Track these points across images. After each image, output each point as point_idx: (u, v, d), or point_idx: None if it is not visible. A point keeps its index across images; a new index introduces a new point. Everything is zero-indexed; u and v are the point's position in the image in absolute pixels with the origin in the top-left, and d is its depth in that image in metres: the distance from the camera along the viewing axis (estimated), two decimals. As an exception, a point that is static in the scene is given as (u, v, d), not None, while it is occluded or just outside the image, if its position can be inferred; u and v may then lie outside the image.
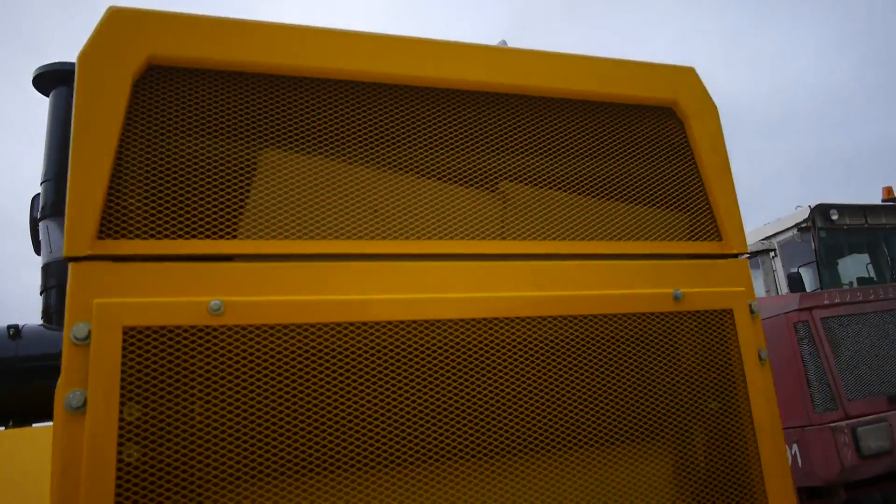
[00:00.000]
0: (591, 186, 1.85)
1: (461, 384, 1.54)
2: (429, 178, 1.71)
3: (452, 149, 1.74)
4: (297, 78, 1.62)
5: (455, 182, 1.73)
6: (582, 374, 1.65)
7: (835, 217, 9.64)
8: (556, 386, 1.63)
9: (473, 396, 1.55)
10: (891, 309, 5.69)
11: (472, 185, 1.76)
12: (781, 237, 10.41)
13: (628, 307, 1.69)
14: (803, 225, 9.80)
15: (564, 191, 1.83)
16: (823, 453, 5.14)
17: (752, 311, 1.79)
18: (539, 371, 1.62)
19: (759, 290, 10.30)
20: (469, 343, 1.57)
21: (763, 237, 10.61)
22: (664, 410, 1.70)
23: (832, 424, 5.13)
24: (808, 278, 10.12)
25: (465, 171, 1.75)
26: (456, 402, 1.53)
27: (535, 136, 1.82)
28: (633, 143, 1.90)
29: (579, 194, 1.84)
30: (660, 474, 1.71)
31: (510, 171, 1.79)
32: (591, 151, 1.86)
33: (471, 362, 1.55)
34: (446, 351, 1.54)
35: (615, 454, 1.68)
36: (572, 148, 1.85)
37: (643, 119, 1.93)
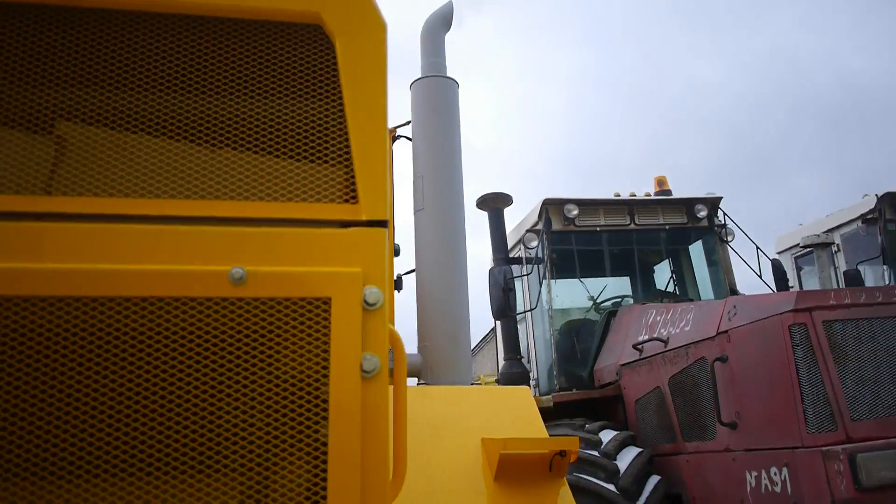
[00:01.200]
0: (188, 128, 1.38)
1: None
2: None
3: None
4: None
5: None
6: (116, 377, 1.21)
7: (906, 208, 8.33)
8: (74, 389, 1.20)
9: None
10: (918, 314, 4.73)
11: (12, 125, 1.34)
12: (845, 230, 9.16)
13: (164, 289, 1.22)
14: (869, 216, 8.55)
15: (149, 134, 1.38)
16: (812, 482, 4.32)
17: (366, 303, 1.26)
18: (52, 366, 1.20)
19: (815, 288, 9.12)
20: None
21: (824, 230, 9.38)
22: (226, 435, 1.23)
23: (824, 448, 4.30)
24: (876, 277, 8.87)
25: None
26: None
27: (109, 61, 1.37)
28: (256, 71, 1.41)
29: (171, 139, 1.38)
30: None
31: (71, 107, 1.36)
32: (191, 82, 1.39)
33: None
34: None
35: (175, 485, 1.23)
36: (163, 78, 1.39)
37: (278, 39, 1.43)
